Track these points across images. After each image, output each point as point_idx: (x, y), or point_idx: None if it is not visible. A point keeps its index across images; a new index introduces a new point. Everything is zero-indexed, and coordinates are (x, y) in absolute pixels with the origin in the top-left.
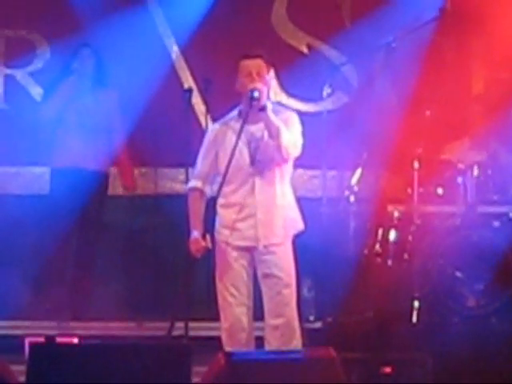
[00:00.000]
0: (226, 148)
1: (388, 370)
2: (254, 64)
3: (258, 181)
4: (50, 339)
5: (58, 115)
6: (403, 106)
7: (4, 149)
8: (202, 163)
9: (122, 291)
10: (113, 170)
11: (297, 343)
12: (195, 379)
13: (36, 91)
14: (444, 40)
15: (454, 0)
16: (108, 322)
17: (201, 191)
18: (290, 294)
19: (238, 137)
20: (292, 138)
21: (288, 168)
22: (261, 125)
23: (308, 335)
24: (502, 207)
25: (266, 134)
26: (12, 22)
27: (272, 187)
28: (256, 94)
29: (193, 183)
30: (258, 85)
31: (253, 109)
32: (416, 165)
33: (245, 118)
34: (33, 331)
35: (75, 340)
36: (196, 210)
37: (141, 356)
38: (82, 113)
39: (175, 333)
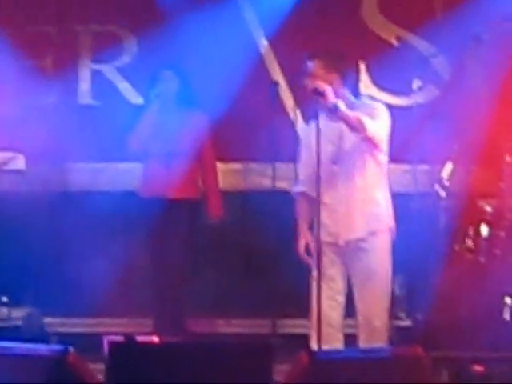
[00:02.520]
0: (313, 147)
1: (480, 368)
2: (310, 65)
3: (341, 176)
4: (129, 338)
5: (144, 146)
6: (495, 98)
7: (92, 145)
8: (303, 166)
9: (211, 288)
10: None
11: (384, 342)
12: (279, 378)
13: (123, 86)
14: None
15: None
16: (196, 319)
17: (307, 194)
18: (380, 292)
19: (317, 135)
20: (377, 127)
21: (374, 162)
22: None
23: (398, 333)
24: None
25: (347, 129)
26: (99, 17)
27: (354, 183)
28: (319, 91)
29: (299, 188)
30: (319, 85)
31: (321, 108)
32: (508, 158)
33: (317, 117)
34: (115, 329)
35: (155, 339)
36: (304, 215)
37: (221, 355)
38: (168, 140)
39: (263, 330)
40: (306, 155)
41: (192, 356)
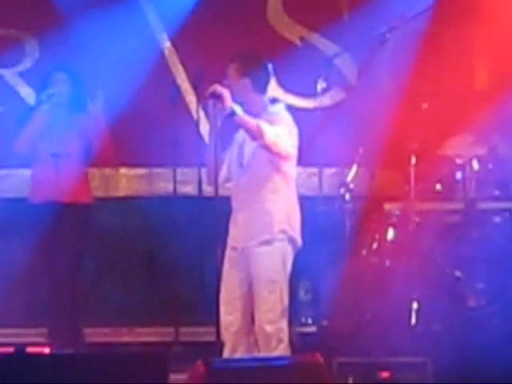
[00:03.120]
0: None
1: (386, 375)
2: (229, 68)
3: (244, 183)
4: (19, 349)
5: (32, 148)
6: (400, 99)
7: None
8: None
9: (113, 296)
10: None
11: (283, 349)
12: None
13: (25, 91)
14: (443, 31)
15: None
16: (99, 328)
17: None
18: (272, 299)
19: (214, 138)
20: (280, 136)
21: (275, 171)
22: None
23: (303, 339)
24: (503, 203)
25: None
26: (0, 21)
27: (253, 191)
28: (216, 94)
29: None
30: (217, 88)
31: (219, 112)
32: (413, 160)
33: (214, 122)
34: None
35: (46, 350)
36: None
37: (115, 365)
38: (57, 142)
39: (166, 339)
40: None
41: (84, 367)
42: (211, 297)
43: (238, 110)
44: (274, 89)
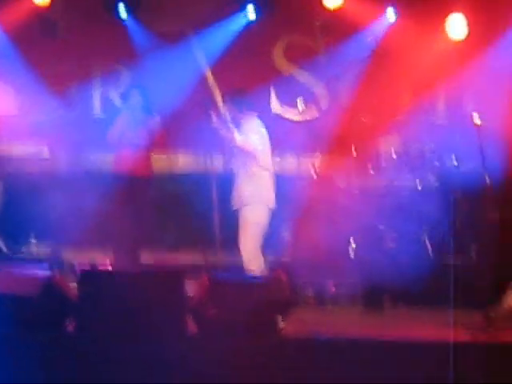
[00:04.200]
0: None
1: (333, 288)
2: None
3: (237, 166)
4: (93, 266)
5: (119, 139)
6: (350, 115)
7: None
8: None
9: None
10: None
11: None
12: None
13: (118, 102)
14: (377, 71)
15: (381, 45)
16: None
17: None
18: (252, 238)
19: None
20: (244, 140)
21: (249, 163)
22: None
23: (280, 265)
24: (410, 181)
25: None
26: (104, 57)
27: (240, 173)
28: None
29: None
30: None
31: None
32: (354, 150)
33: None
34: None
35: (110, 268)
36: None
37: (145, 282)
38: (133, 134)
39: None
40: None
41: (137, 282)
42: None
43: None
44: (274, 103)
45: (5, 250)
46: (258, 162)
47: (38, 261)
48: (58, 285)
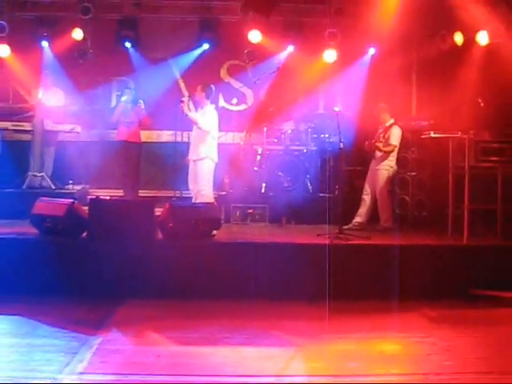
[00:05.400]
0: None
1: (251, 211)
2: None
3: (195, 134)
4: (98, 198)
5: (118, 120)
6: (262, 107)
7: None
8: None
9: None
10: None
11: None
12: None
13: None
14: (281, 80)
15: (284, 64)
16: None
17: None
18: (203, 181)
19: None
20: (204, 122)
21: (205, 135)
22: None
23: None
24: (298, 147)
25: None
26: (115, 71)
27: (197, 140)
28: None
29: None
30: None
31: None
32: (265, 129)
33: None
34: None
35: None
36: None
37: (130, 207)
38: (127, 117)
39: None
40: None
41: (124, 206)
42: None
43: (187, 111)
44: (221, 100)
45: (53, 187)
46: (210, 134)
47: (70, 194)
48: (76, 209)
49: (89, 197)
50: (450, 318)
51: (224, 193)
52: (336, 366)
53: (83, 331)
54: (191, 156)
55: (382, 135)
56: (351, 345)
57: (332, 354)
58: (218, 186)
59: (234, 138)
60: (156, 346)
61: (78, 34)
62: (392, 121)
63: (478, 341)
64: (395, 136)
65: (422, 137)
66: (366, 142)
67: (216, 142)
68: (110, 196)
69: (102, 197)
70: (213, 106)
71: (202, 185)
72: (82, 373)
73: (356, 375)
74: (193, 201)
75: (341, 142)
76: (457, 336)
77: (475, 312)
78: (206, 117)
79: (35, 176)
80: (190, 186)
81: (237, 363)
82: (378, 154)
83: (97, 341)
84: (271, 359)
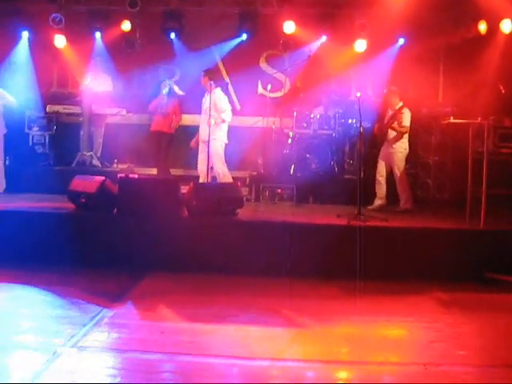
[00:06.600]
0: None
1: (279, 191)
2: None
3: (203, 119)
4: (127, 176)
5: (155, 109)
6: (294, 93)
7: None
8: None
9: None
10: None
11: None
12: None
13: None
14: (312, 68)
15: (315, 53)
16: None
17: None
18: (215, 160)
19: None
20: (220, 104)
21: (218, 116)
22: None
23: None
24: (326, 131)
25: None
26: (161, 60)
27: (208, 122)
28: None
29: None
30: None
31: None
32: (295, 114)
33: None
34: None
35: (136, 176)
36: None
37: (158, 185)
38: (164, 107)
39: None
40: None
41: (151, 184)
42: None
43: (208, 96)
44: (259, 87)
45: (100, 166)
46: (221, 116)
47: (115, 172)
48: (107, 186)
49: (118, 175)
50: (462, 301)
51: (255, 173)
52: (333, 351)
53: (101, 303)
54: (202, 137)
55: (393, 118)
56: (356, 328)
57: (333, 338)
58: (252, 167)
59: (267, 122)
60: (163, 321)
61: (126, 25)
62: (401, 104)
63: (486, 328)
64: (407, 118)
65: (443, 122)
66: (376, 125)
67: (226, 124)
68: (148, 174)
69: (130, 175)
70: (218, 88)
71: (217, 167)
72: (81, 346)
73: (350, 362)
74: (200, 181)
75: (360, 126)
76: (465, 322)
77: (489, 296)
78: (222, 101)
79: (84, 155)
80: (200, 166)
81: (237, 343)
82: (391, 136)
83: (109, 314)
84: (273, 340)
